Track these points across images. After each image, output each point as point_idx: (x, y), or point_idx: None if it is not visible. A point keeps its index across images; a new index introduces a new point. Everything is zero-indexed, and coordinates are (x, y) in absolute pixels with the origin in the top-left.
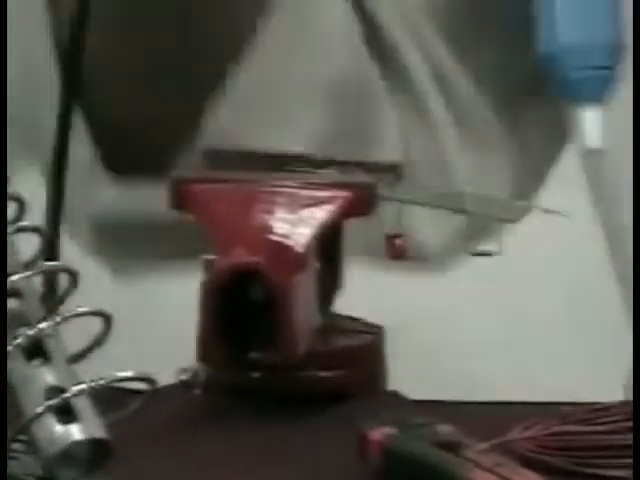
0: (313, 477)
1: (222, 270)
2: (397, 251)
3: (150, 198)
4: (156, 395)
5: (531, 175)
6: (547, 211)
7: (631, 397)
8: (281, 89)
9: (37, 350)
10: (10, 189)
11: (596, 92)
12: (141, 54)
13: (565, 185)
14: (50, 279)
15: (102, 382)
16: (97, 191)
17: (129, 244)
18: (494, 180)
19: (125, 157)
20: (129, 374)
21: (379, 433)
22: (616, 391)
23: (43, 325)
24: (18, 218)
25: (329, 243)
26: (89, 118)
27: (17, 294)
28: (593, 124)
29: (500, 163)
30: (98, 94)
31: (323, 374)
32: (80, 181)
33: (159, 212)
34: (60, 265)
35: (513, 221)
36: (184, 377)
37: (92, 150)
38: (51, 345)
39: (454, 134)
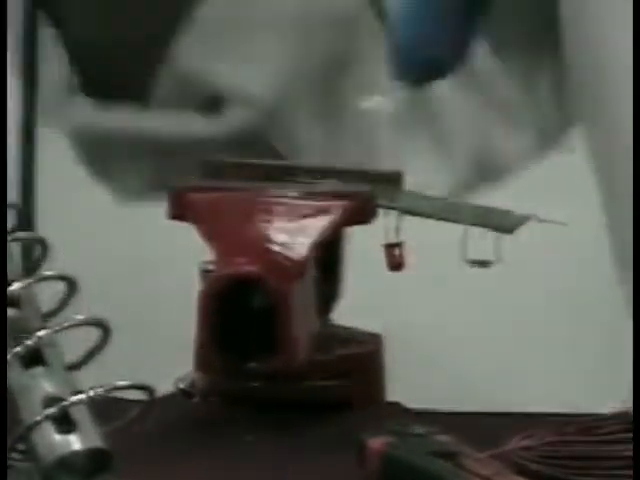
0: None
1: (221, 279)
2: (396, 260)
3: (127, 119)
4: (154, 403)
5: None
6: (544, 221)
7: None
8: (247, 23)
9: (35, 358)
10: (8, 198)
11: None
12: None
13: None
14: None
15: (100, 391)
16: (74, 108)
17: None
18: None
19: (100, 81)
20: (127, 383)
21: (378, 442)
22: (613, 401)
23: (41, 333)
24: (15, 226)
25: (328, 252)
26: (64, 40)
27: (15, 303)
28: None
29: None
30: (71, 15)
31: (322, 383)
32: (55, 97)
33: (136, 132)
34: (60, 274)
35: (511, 231)
36: (182, 385)
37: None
38: (49, 354)
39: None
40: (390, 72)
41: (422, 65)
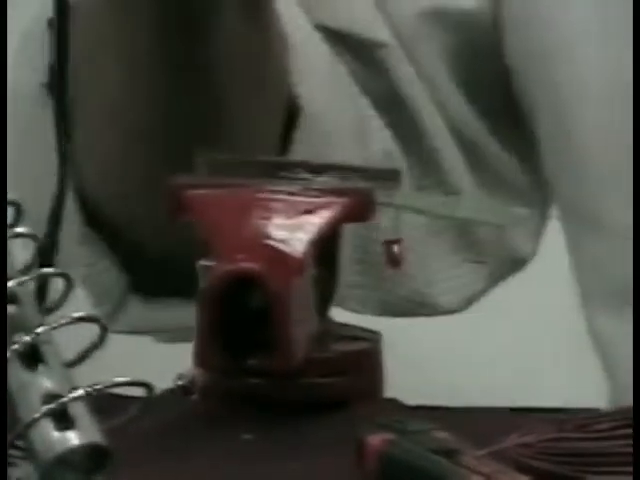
0: None
1: (220, 276)
2: (395, 257)
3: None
4: (153, 401)
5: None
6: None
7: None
8: None
9: (33, 356)
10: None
11: None
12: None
13: None
14: (42, 285)
15: (99, 387)
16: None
17: None
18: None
19: (149, 281)
20: (126, 379)
21: (377, 439)
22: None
23: (39, 330)
24: (15, 224)
25: (326, 249)
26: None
27: (13, 300)
28: None
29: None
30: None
31: (321, 380)
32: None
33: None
34: (56, 270)
35: (508, 226)
36: (181, 383)
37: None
38: (47, 351)
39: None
40: None
41: None
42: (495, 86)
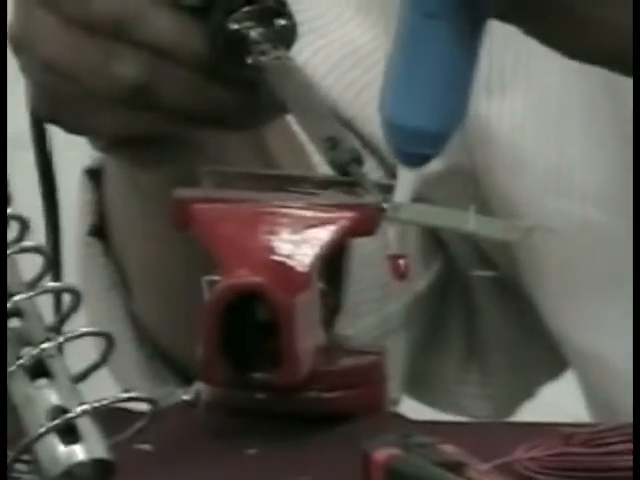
0: None
1: (225, 290)
2: (400, 271)
3: None
4: (159, 415)
5: None
6: (550, 231)
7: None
8: None
9: (40, 370)
10: (12, 209)
11: (414, 162)
12: None
13: None
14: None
15: (105, 402)
16: None
17: None
18: None
19: None
20: (132, 394)
21: (382, 453)
22: None
23: (46, 345)
24: (20, 238)
25: (333, 263)
26: None
27: (20, 314)
28: (404, 183)
29: None
30: None
31: (326, 395)
32: None
33: None
34: (63, 285)
35: (516, 241)
36: (187, 397)
37: None
38: (54, 365)
39: None
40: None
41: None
42: None
